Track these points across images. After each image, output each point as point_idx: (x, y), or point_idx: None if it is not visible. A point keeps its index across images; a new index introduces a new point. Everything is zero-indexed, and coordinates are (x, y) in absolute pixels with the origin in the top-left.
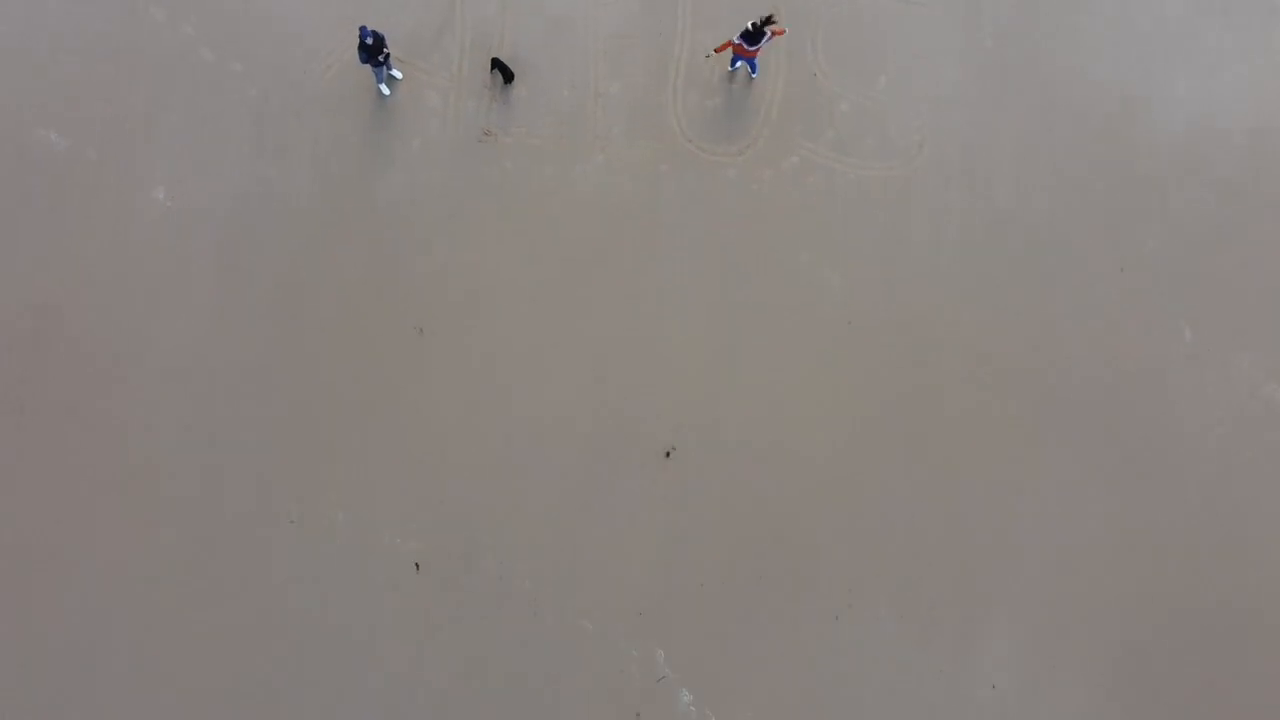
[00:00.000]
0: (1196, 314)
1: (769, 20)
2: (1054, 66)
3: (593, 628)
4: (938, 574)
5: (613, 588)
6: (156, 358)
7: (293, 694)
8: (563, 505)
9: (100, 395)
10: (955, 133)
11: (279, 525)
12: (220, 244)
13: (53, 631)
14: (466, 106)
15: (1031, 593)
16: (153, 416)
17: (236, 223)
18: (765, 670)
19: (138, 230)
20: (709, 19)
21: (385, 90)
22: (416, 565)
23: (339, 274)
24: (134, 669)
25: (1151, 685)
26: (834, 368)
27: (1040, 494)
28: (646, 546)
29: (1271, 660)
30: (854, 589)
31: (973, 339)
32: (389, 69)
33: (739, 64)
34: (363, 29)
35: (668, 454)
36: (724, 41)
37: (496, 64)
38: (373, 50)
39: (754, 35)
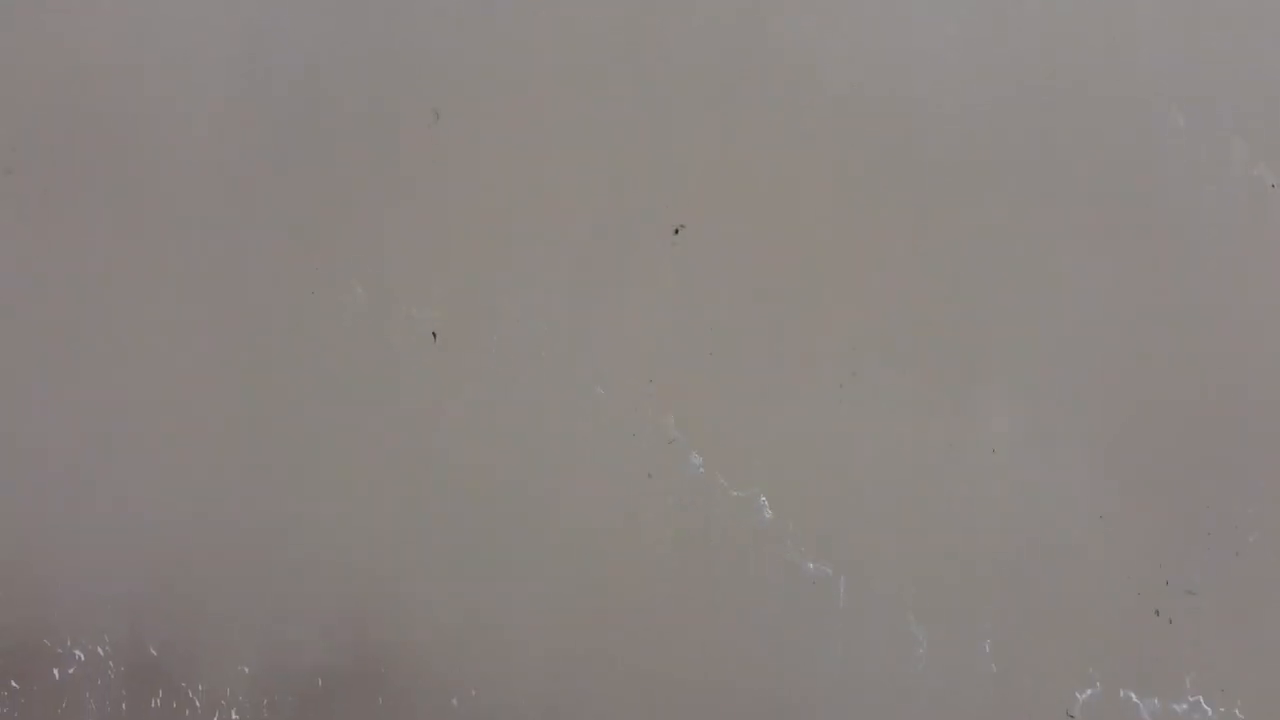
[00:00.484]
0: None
1: None
2: None
3: (605, 393)
4: (938, 348)
5: (624, 358)
6: (174, 134)
7: (308, 449)
8: (575, 279)
9: (115, 168)
10: None
11: (301, 298)
12: (243, 26)
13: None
14: None
15: (1031, 367)
16: (169, 195)
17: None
18: (771, 435)
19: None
20: None
21: None
22: (434, 334)
23: (359, 50)
24: (148, 434)
25: (1147, 458)
26: (837, 146)
27: (1039, 272)
28: (656, 320)
29: (1262, 436)
30: (857, 360)
31: (972, 128)
32: None
33: None
34: None
35: (676, 231)
36: None
37: None
38: None
39: None
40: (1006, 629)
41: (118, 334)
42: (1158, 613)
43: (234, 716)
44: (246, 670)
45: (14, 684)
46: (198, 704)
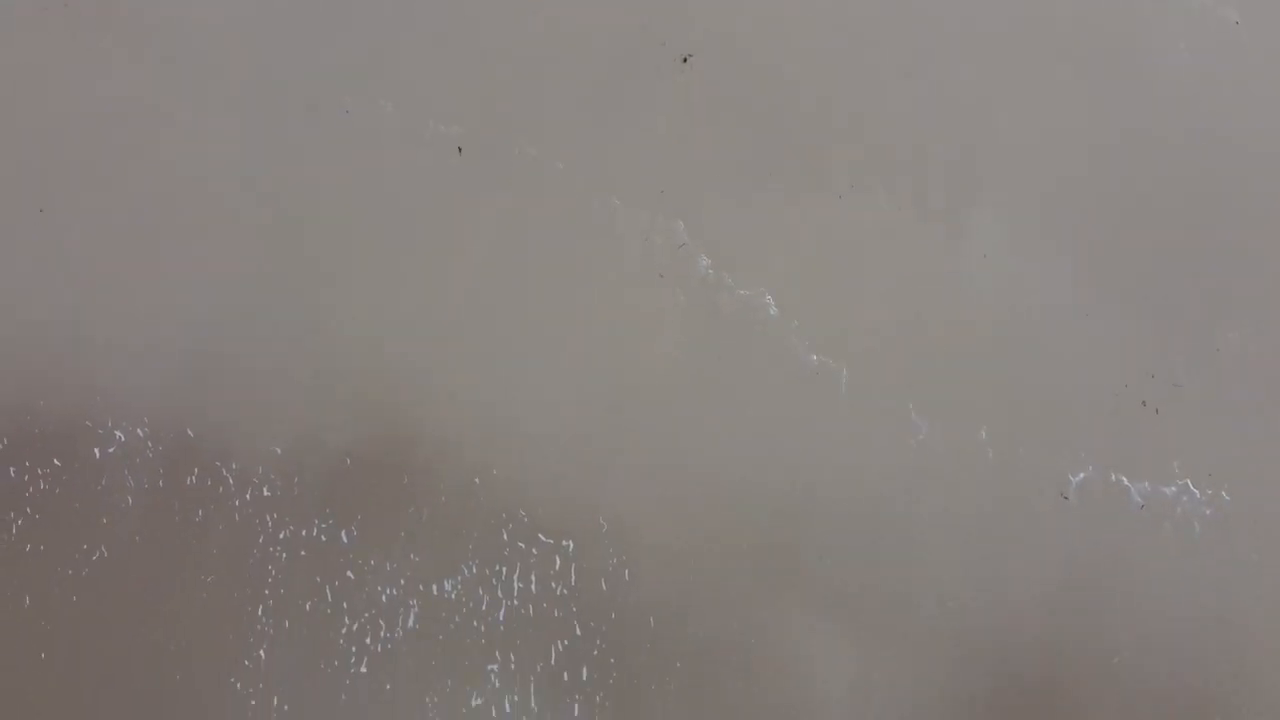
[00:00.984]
0: None
1: None
2: None
3: (620, 203)
4: (932, 163)
5: (637, 170)
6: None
7: (343, 246)
8: (590, 101)
9: (143, 43)
10: None
11: (334, 116)
12: None
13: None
14: None
15: (1020, 181)
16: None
17: None
18: (775, 240)
19: None
20: None
21: None
22: (459, 149)
23: None
24: (171, 262)
25: (1131, 261)
26: None
27: (1027, 93)
28: (667, 136)
29: (1239, 241)
30: (856, 173)
31: None
32: None
33: None
34: None
35: (685, 59)
36: None
37: None
38: None
39: None
40: (1002, 419)
41: (165, 136)
42: (1144, 403)
43: (265, 493)
44: (279, 450)
45: (56, 461)
46: (231, 482)
